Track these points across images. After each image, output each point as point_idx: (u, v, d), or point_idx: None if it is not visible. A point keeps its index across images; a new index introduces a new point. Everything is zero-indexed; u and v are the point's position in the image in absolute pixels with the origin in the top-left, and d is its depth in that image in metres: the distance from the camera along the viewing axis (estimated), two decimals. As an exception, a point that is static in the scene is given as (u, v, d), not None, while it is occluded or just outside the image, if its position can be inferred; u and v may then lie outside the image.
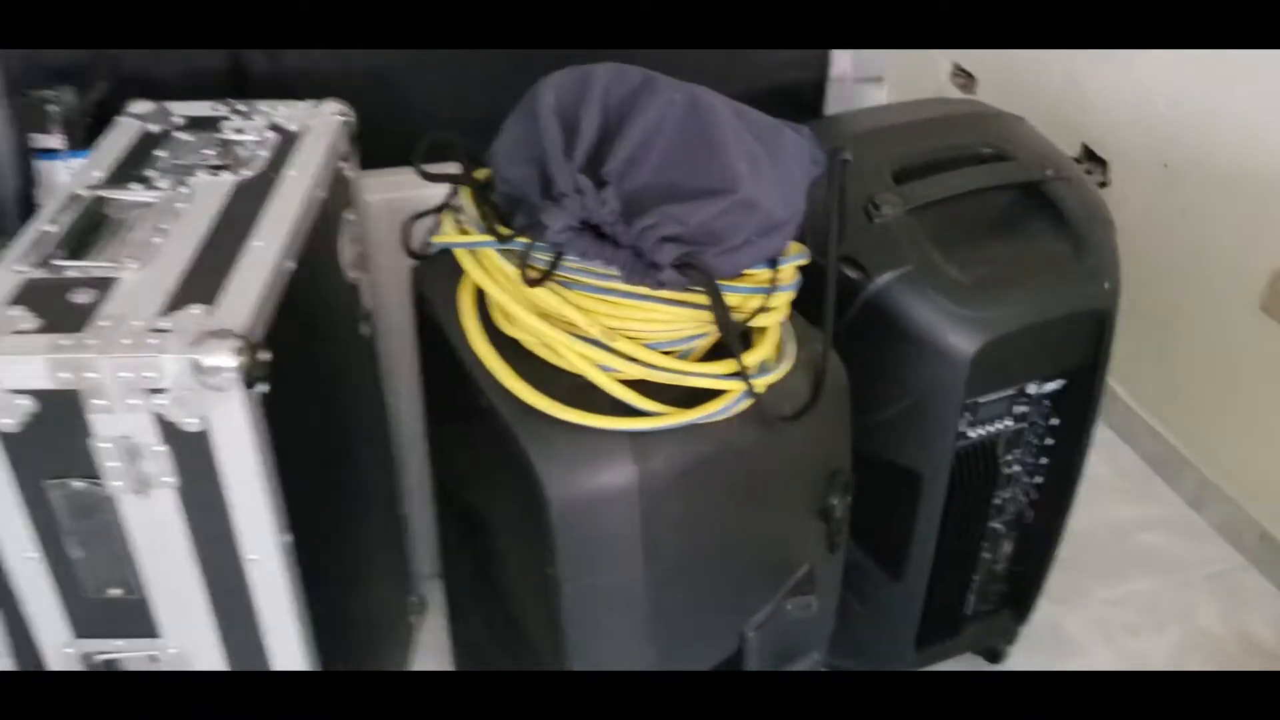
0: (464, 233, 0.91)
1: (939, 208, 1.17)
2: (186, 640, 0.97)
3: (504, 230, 0.87)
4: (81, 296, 0.87)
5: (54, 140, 1.11)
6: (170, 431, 0.85)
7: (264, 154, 1.07)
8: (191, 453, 0.86)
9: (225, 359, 0.82)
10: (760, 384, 0.89)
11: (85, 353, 0.82)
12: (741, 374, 0.87)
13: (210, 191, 1.01)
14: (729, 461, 0.91)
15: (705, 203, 0.81)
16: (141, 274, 0.90)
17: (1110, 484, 1.80)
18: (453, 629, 1.34)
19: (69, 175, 1.12)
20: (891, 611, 1.32)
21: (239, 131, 1.10)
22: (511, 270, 0.87)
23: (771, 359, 0.92)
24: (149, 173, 1.03)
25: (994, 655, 1.51)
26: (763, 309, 0.88)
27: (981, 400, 1.20)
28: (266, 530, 0.91)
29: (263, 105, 1.15)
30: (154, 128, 1.11)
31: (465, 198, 0.93)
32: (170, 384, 0.83)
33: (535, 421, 0.87)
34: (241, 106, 1.14)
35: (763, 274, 0.89)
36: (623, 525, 0.88)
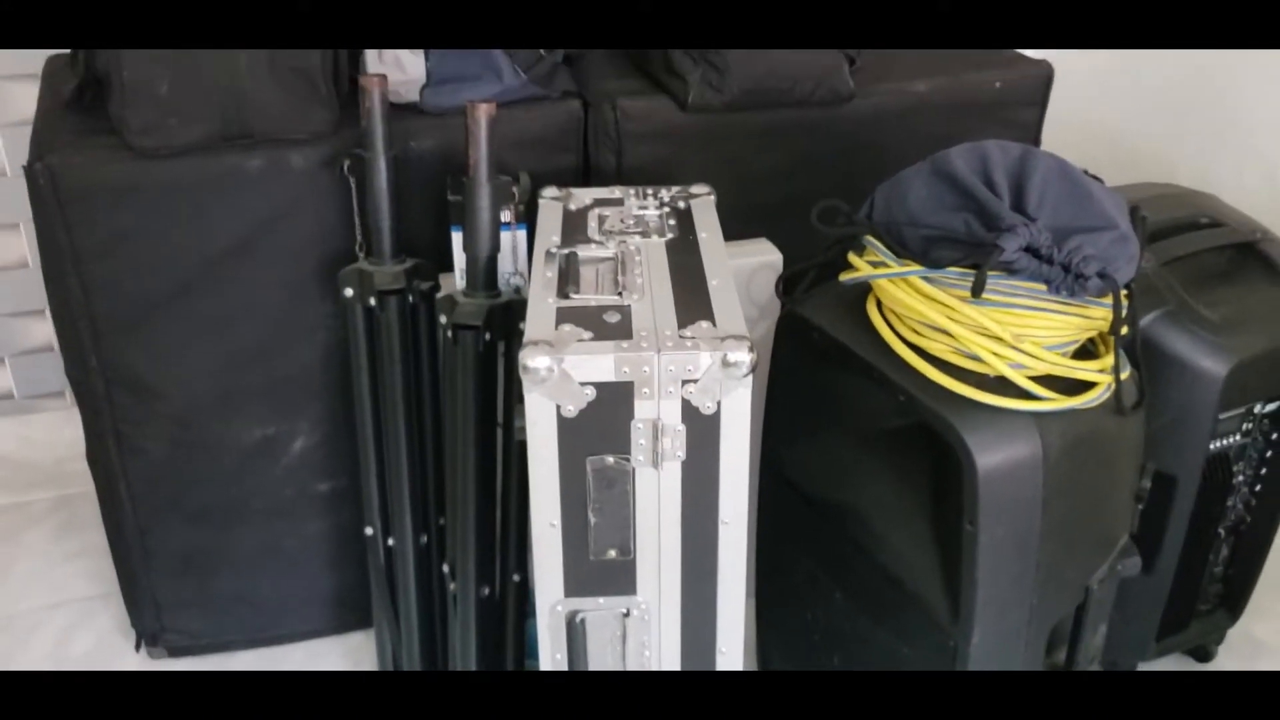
0: (881, 267, 1.20)
1: (1181, 263, 1.47)
2: (653, 596, 1.21)
3: (927, 262, 1.16)
4: (612, 317, 1.15)
5: (507, 215, 1.39)
6: (691, 414, 1.12)
7: (672, 222, 1.36)
8: (703, 431, 1.13)
9: (744, 355, 1.09)
10: (1123, 377, 1.17)
11: (641, 352, 1.09)
12: (1115, 369, 1.15)
13: (652, 249, 1.29)
14: (1096, 440, 1.18)
15: (1102, 234, 1.10)
16: (644, 302, 1.18)
17: None
18: (760, 616, 1.57)
19: (513, 243, 1.41)
20: (1140, 603, 1.56)
21: (642, 207, 1.39)
22: (937, 292, 1.15)
23: (1122, 362, 1.20)
24: (594, 237, 1.32)
25: (1204, 655, 1.75)
26: (1128, 320, 1.16)
27: (1222, 417, 1.48)
28: (741, 498, 1.16)
29: (649, 189, 1.44)
30: (572, 206, 1.40)
31: (877, 243, 1.22)
32: (701, 375, 1.10)
33: (960, 406, 1.14)
34: (633, 190, 1.43)
35: (1124, 294, 1.17)
36: (1028, 487, 1.14)
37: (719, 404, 1.11)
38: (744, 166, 1.62)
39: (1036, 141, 1.79)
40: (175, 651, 1.75)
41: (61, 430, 2.26)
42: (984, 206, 1.11)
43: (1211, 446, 1.49)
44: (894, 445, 1.32)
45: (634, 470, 1.14)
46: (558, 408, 1.11)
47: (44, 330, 2.18)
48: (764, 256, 1.58)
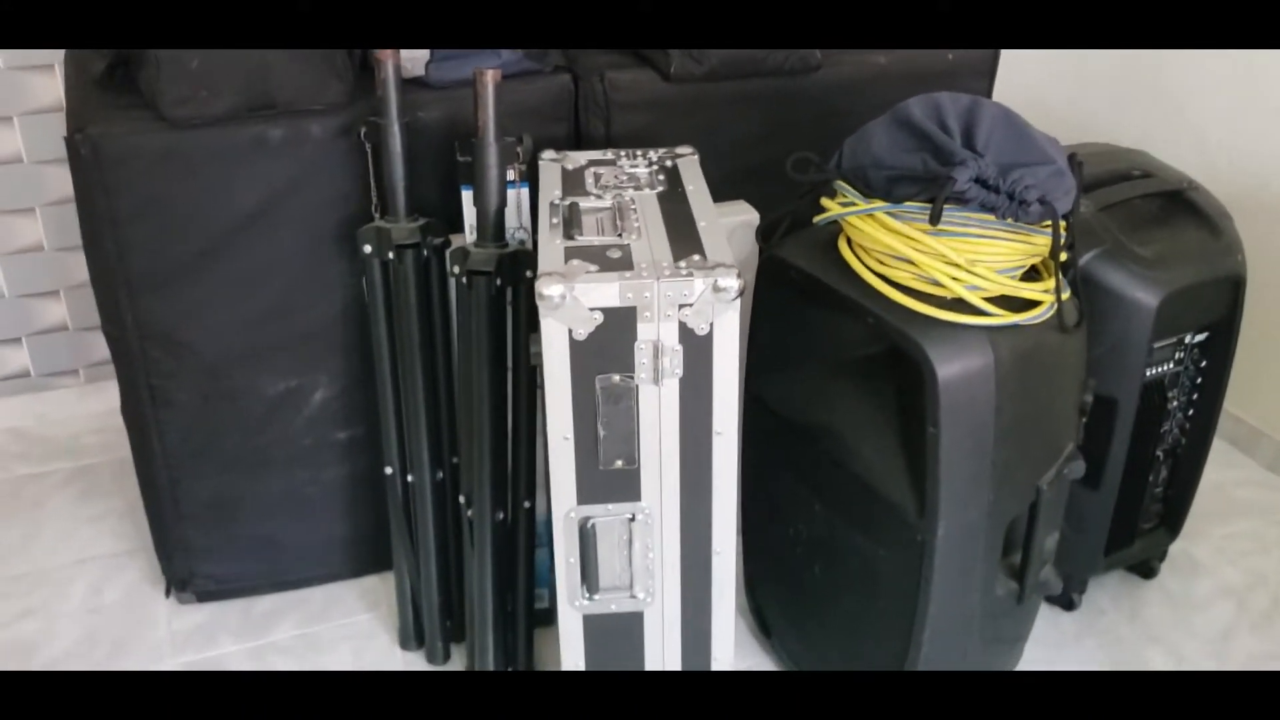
0: (850, 205, 1.36)
1: (1117, 208, 1.64)
2: (655, 501, 1.36)
3: (890, 199, 1.31)
4: (614, 254, 1.30)
5: (511, 174, 1.54)
6: (687, 335, 1.27)
7: (661, 178, 1.51)
8: (697, 350, 1.28)
9: (732, 281, 1.24)
10: (1064, 298, 1.33)
11: (642, 279, 1.24)
12: (1056, 289, 1.31)
13: (645, 200, 1.44)
14: (1040, 353, 1.34)
15: (1041, 168, 1.26)
16: (641, 242, 1.33)
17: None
18: (747, 535, 1.72)
19: (517, 200, 1.56)
20: (1089, 520, 1.73)
21: (633, 165, 1.54)
22: (900, 225, 1.31)
23: (1062, 284, 1.36)
24: (591, 190, 1.47)
25: (1148, 572, 1.92)
26: (1066, 246, 1.33)
27: (1156, 346, 1.65)
28: (732, 410, 1.31)
29: (638, 151, 1.59)
30: (569, 166, 1.55)
31: (844, 185, 1.37)
32: (696, 300, 1.25)
33: (922, 324, 1.30)
34: (624, 152, 1.58)
35: (1062, 224, 1.34)
36: (982, 393, 1.30)
37: (711, 325, 1.27)
38: (723, 132, 1.77)
39: (986, 109, 1.96)
40: (203, 596, 1.87)
41: (75, 406, 2.38)
42: (938, 146, 1.27)
43: (1148, 373, 1.66)
44: (864, 371, 1.48)
45: (637, 387, 1.29)
46: (569, 331, 1.25)
47: (59, 311, 2.30)
48: (743, 216, 1.73)
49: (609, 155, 1.58)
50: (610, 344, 1.27)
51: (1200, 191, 1.71)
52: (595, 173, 1.52)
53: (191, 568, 1.83)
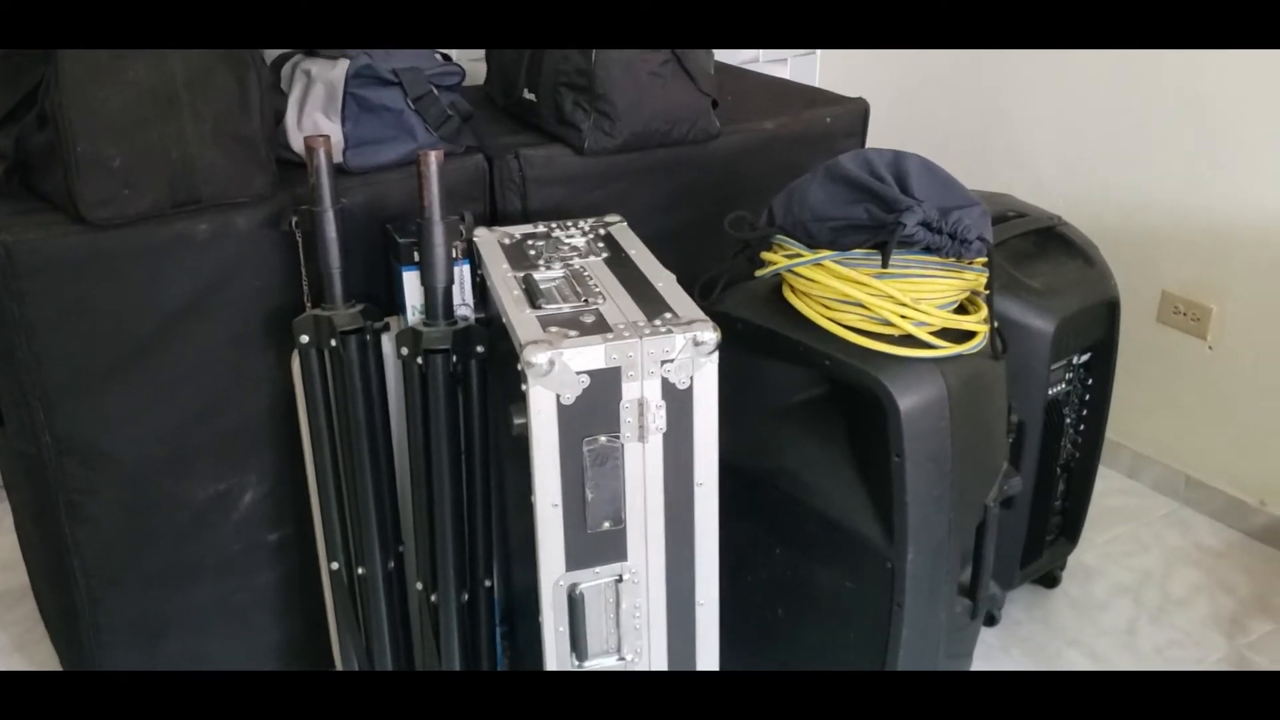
0: (795, 257, 1.44)
1: (1001, 247, 1.79)
2: (641, 559, 1.38)
3: (837, 248, 1.40)
4: (587, 319, 1.33)
5: (454, 251, 1.55)
6: (669, 390, 1.31)
7: (601, 245, 1.55)
8: (679, 405, 1.32)
9: (710, 335, 1.30)
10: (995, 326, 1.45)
11: (626, 339, 1.28)
12: (990, 319, 1.43)
13: (595, 267, 1.48)
14: (981, 379, 1.45)
15: (971, 209, 1.38)
16: (609, 305, 1.36)
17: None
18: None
19: (459, 276, 1.57)
20: (1005, 537, 1.85)
21: (570, 236, 1.58)
22: (848, 271, 1.40)
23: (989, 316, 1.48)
24: (537, 262, 1.49)
25: (1052, 581, 2.06)
26: (991, 280, 1.45)
27: (1051, 368, 1.80)
28: (712, 460, 1.36)
29: (568, 222, 1.63)
30: (505, 240, 1.57)
31: (786, 239, 1.46)
32: (677, 354, 1.30)
33: (879, 361, 1.39)
34: (554, 224, 1.62)
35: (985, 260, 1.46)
36: (938, 420, 1.40)
37: (691, 379, 1.31)
38: (633, 201, 1.84)
39: (860, 166, 2.11)
40: (127, 724, 1.75)
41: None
42: (880, 195, 1.37)
43: (1047, 393, 1.81)
44: (810, 414, 1.56)
45: (623, 446, 1.32)
46: (557, 397, 1.28)
47: None
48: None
49: (541, 228, 1.62)
50: (596, 405, 1.29)
51: (1069, 226, 1.89)
52: (534, 245, 1.55)
53: (114, 695, 1.71)
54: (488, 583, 1.61)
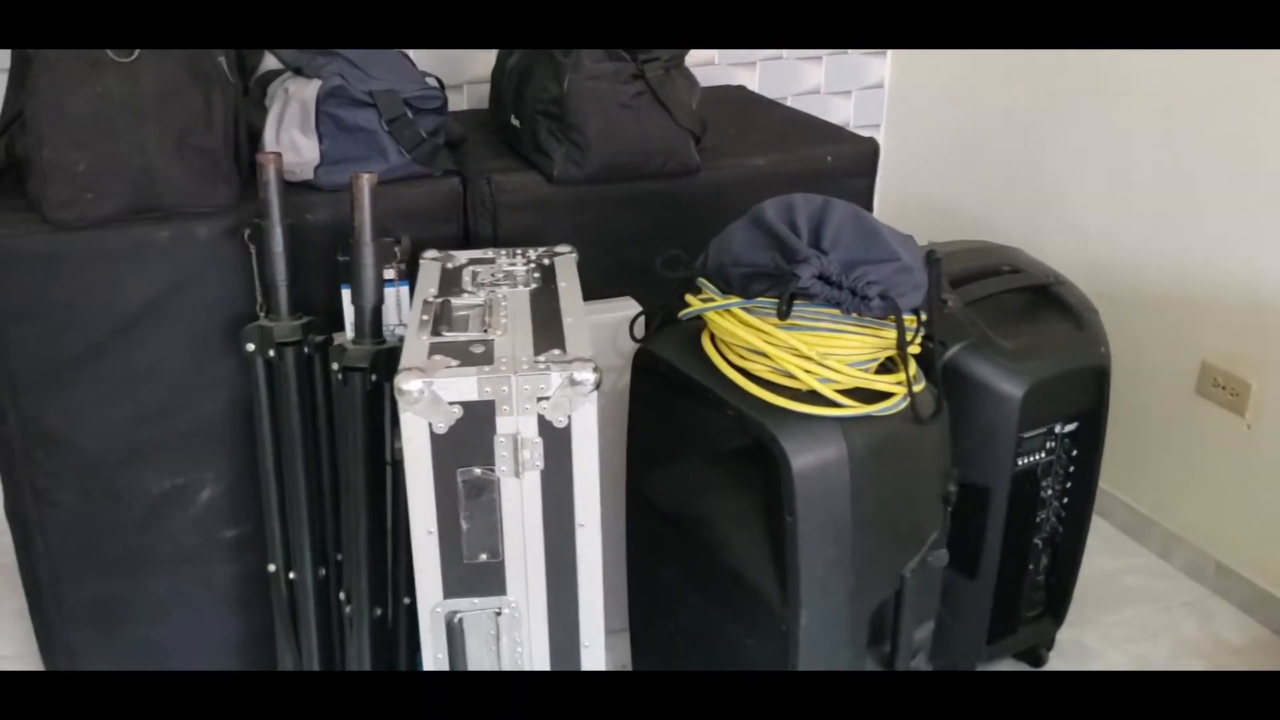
0: (709, 301, 1.40)
1: (985, 303, 1.70)
2: (522, 595, 1.37)
3: (746, 295, 1.36)
4: (477, 349, 1.33)
5: (390, 273, 1.58)
6: (546, 428, 1.29)
7: (537, 275, 1.55)
8: (557, 443, 1.30)
9: (588, 375, 1.28)
10: (916, 389, 1.38)
11: (501, 373, 1.27)
12: (906, 381, 1.36)
13: (516, 297, 1.48)
14: (896, 443, 1.38)
15: (885, 265, 1.32)
16: (506, 337, 1.36)
17: (1094, 546, 2.27)
18: (634, 632, 1.72)
19: (397, 298, 1.59)
20: (968, 609, 1.75)
21: (511, 264, 1.59)
22: (755, 319, 1.35)
23: (915, 377, 1.41)
24: (467, 288, 1.50)
25: (1036, 660, 1.94)
26: (914, 340, 1.38)
27: (1025, 436, 1.69)
28: (594, 503, 1.34)
29: (518, 250, 1.64)
30: (449, 265, 1.59)
31: (707, 282, 1.42)
32: (553, 393, 1.28)
33: (776, 416, 1.34)
34: (504, 251, 1.63)
35: (910, 319, 1.39)
36: (837, 482, 1.34)
37: (569, 418, 1.30)
38: (608, 232, 1.83)
39: (869, 208, 2.04)
40: (86, 699, 1.84)
41: None
42: (785, 244, 1.32)
43: (1020, 462, 1.71)
44: (735, 462, 1.51)
45: (499, 480, 1.31)
46: (430, 425, 1.28)
47: None
48: (627, 312, 1.78)
49: (489, 254, 1.63)
50: (471, 437, 1.29)
51: (1067, 286, 1.78)
52: (473, 271, 1.56)
53: (76, 669, 1.80)
54: (408, 600, 1.62)
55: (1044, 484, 1.76)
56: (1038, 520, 1.78)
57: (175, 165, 1.57)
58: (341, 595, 1.63)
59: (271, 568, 1.68)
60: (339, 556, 1.69)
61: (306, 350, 1.59)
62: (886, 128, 2.81)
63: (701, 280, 1.44)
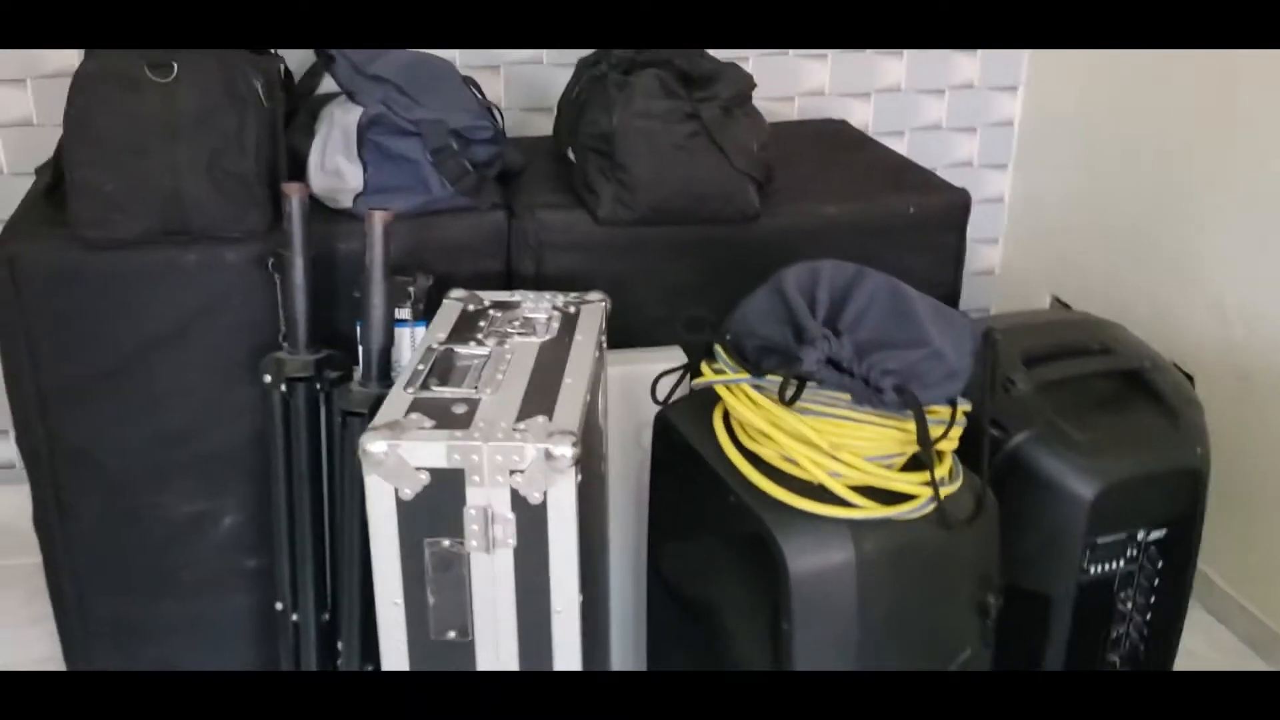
0: (721, 374, 1.27)
1: (1061, 386, 1.51)
2: (494, 679, 1.27)
3: (756, 371, 1.22)
4: (459, 409, 1.23)
5: (406, 313, 1.50)
6: (520, 503, 1.19)
7: (555, 325, 1.45)
8: (531, 520, 1.19)
9: (567, 450, 1.16)
10: (943, 492, 1.21)
11: (471, 441, 1.17)
12: (931, 483, 1.19)
13: (525, 348, 1.38)
14: (918, 552, 1.22)
15: (910, 351, 1.15)
16: (495, 397, 1.26)
17: (1211, 659, 2.02)
18: None
19: (411, 339, 1.51)
20: (1025, 727, 1.56)
21: (533, 310, 1.49)
22: (763, 399, 1.21)
23: (948, 476, 1.24)
24: (478, 335, 1.41)
25: (1112, 788, 1.72)
26: (944, 436, 1.21)
27: (1099, 541, 1.49)
28: (572, 588, 1.22)
29: (547, 294, 1.53)
30: (471, 307, 1.50)
31: (721, 351, 1.29)
32: (527, 466, 1.17)
33: (778, 511, 1.19)
34: (532, 294, 1.53)
35: (944, 410, 1.22)
36: (842, 592, 1.18)
37: (545, 494, 1.18)
38: (658, 278, 1.71)
39: (959, 265, 1.85)
40: (107, 714, 1.83)
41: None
42: (796, 320, 1.18)
43: (1092, 570, 1.50)
44: (745, 547, 1.37)
45: (469, 555, 1.21)
46: (395, 490, 1.19)
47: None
48: (671, 363, 1.65)
49: (516, 297, 1.53)
50: (440, 506, 1.20)
51: (1164, 372, 1.56)
52: (493, 315, 1.47)
53: (97, 684, 1.80)
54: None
55: (1121, 596, 1.55)
56: (1114, 636, 1.57)
57: (205, 188, 1.53)
58: (340, 644, 1.56)
59: (279, 606, 1.63)
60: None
61: (319, 386, 1.53)
62: (1015, 168, 2.59)
63: (717, 348, 1.30)
